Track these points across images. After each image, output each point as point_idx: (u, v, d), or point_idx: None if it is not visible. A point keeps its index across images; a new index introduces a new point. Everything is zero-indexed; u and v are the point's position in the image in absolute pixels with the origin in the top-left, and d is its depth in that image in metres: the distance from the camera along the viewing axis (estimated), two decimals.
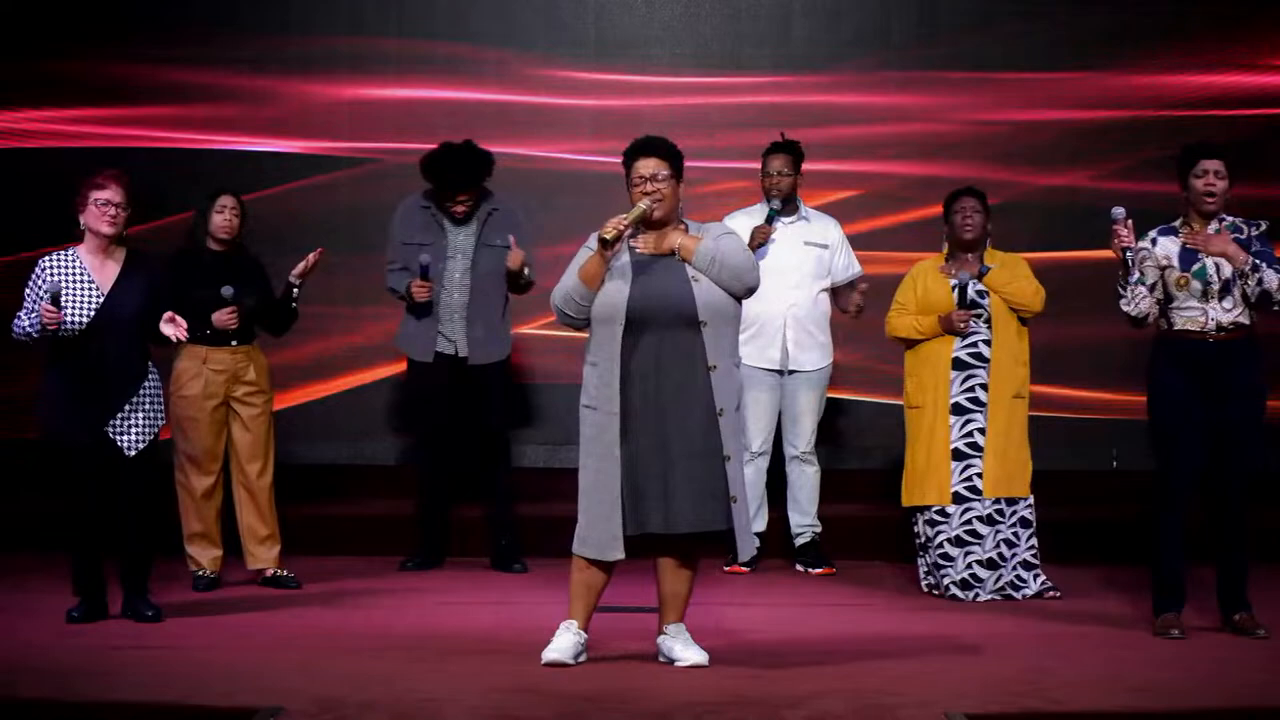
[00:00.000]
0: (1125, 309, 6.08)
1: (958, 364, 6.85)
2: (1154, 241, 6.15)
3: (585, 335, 5.50)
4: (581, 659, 5.47)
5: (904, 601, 6.81)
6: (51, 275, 6.11)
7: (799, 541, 7.53)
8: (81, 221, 6.19)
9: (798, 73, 8.77)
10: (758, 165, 7.53)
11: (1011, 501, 6.85)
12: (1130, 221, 6.00)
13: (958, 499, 6.82)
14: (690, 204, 8.01)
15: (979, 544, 6.81)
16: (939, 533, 6.83)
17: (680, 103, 8.74)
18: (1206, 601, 6.22)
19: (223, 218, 6.95)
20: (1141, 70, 8.71)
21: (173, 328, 6.11)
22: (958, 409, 6.85)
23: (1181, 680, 5.35)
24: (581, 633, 5.48)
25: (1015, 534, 6.84)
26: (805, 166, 7.49)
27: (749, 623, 6.28)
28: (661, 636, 5.52)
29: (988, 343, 6.83)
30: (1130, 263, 6.01)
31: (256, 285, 7.00)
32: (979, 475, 6.81)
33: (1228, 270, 6.03)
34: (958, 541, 6.82)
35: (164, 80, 8.70)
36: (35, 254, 6.38)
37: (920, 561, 6.98)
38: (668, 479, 5.30)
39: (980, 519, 6.82)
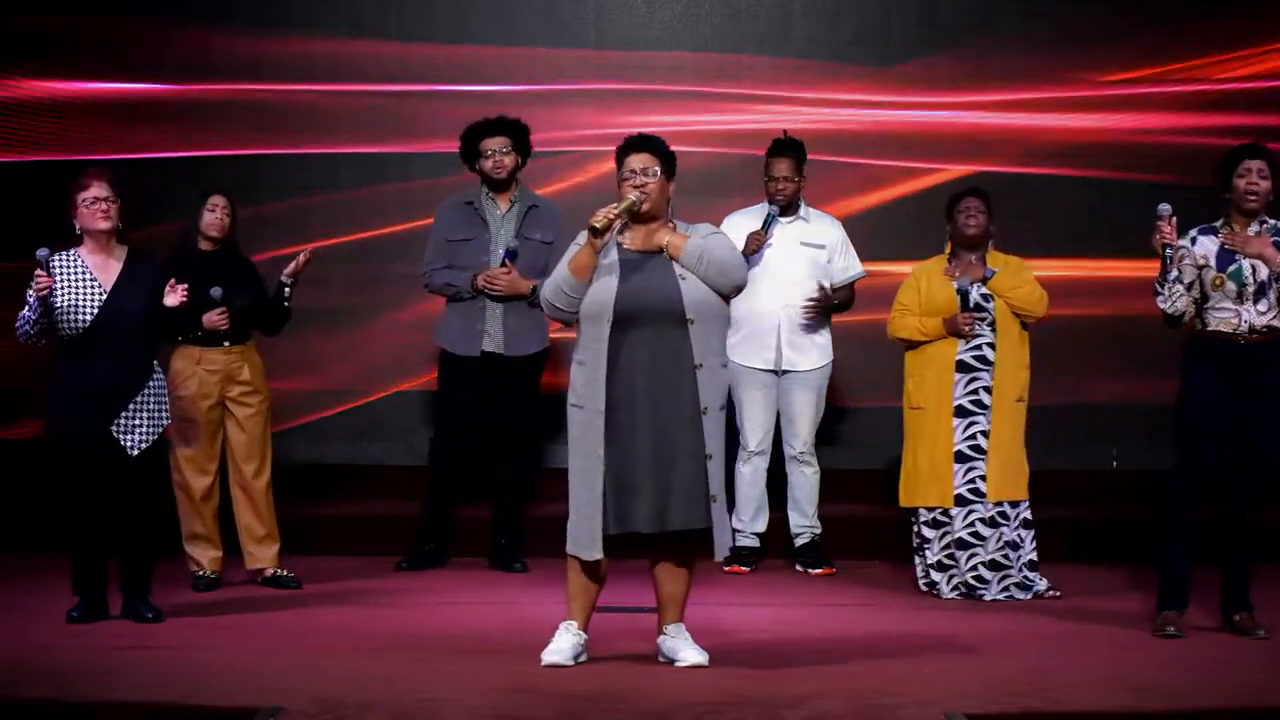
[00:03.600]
0: (1161, 306, 6.06)
1: (961, 366, 6.84)
2: (1193, 240, 6.12)
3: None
4: (581, 659, 5.47)
5: (904, 601, 6.81)
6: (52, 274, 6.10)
7: (799, 542, 7.52)
8: (77, 227, 6.21)
9: (798, 73, 8.77)
10: (758, 165, 7.52)
11: (1014, 504, 6.85)
12: (1174, 219, 5.96)
13: (960, 501, 6.82)
14: (688, 204, 7.98)
15: (982, 546, 6.80)
16: (944, 534, 6.83)
17: (680, 102, 8.73)
18: (1207, 601, 6.22)
19: (214, 216, 6.96)
20: (1141, 71, 8.71)
21: (175, 296, 6.12)
22: (960, 411, 6.84)
23: (1181, 680, 5.35)
24: (581, 633, 5.48)
25: (1019, 536, 6.84)
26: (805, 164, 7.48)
27: (749, 623, 6.28)
28: (661, 637, 5.52)
29: (992, 346, 6.82)
30: (1169, 260, 5.99)
31: (248, 285, 7.00)
32: (981, 478, 6.81)
33: (1264, 273, 6.02)
34: (961, 544, 6.82)
35: (163, 82, 8.69)
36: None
37: (917, 561, 6.97)
38: (654, 477, 5.30)
39: (983, 521, 6.81)
